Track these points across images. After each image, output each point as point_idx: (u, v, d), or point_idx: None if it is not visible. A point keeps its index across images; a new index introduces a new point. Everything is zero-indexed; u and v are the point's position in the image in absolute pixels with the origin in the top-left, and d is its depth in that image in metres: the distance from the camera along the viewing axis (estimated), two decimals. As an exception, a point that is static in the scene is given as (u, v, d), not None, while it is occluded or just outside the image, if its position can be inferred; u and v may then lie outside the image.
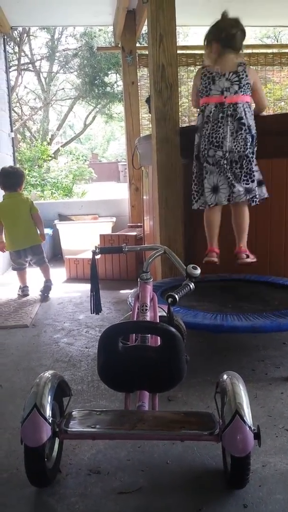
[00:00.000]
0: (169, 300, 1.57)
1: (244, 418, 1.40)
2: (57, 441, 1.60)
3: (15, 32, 10.81)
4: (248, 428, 1.39)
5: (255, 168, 2.71)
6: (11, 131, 5.84)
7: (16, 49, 11.95)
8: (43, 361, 2.59)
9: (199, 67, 5.68)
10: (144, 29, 5.05)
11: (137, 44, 5.59)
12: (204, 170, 2.71)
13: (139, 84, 5.53)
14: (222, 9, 5.25)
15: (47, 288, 3.95)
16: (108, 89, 13.06)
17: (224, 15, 2.75)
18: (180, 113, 3.38)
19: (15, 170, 4.11)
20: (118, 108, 14.15)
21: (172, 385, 1.63)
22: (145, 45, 6.73)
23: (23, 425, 1.44)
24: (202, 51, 5.86)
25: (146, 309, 1.78)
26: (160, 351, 1.61)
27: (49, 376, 1.60)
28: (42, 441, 1.43)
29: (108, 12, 5.23)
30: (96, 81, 12.62)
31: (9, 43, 10.19)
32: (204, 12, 5.28)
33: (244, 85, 2.62)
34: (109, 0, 4.82)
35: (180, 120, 3.24)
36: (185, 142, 3.11)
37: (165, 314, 1.77)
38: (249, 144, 2.63)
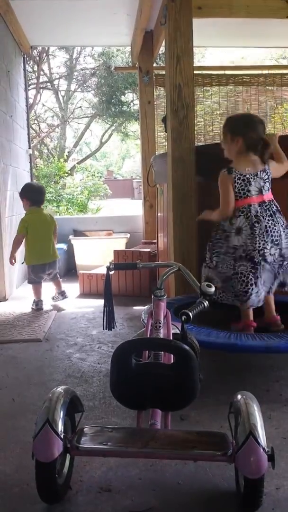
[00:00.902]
0: (183, 317, 1.57)
1: (258, 439, 1.38)
2: (68, 457, 1.59)
3: (35, 51, 11.06)
4: (262, 450, 1.37)
5: None
6: (29, 147, 5.95)
7: (35, 68, 12.21)
8: (55, 376, 2.59)
9: (215, 87, 5.81)
10: (161, 49, 5.15)
11: (154, 64, 5.68)
12: (259, 269, 2.47)
13: (155, 103, 5.61)
14: (240, 31, 5.32)
15: (63, 293, 4.19)
16: (125, 108, 13.22)
17: (254, 116, 2.65)
18: (195, 132, 3.40)
19: (42, 186, 4.41)
20: (134, 127, 14.31)
21: (185, 404, 1.62)
22: (162, 65, 6.84)
23: (35, 440, 1.44)
24: (218, 72, 5.97)
25: (160, 326, 1.77)
26: (173, 369, 1.60)
27: (62, 391, 1.59)
28: (54, 457, 1.42)
29: (125, 33, 5.34)
30: (113, 100, 12.79)
31: (28, 62, 10.41)
32: (221, 34, 5.38)
33: (270, 182, 2.55)
34: (127, 21, 4.92)
35: (195, 139, 3.27)
36: (200, 160, 3.14)
37: (178, 331, 1.77)
38: None
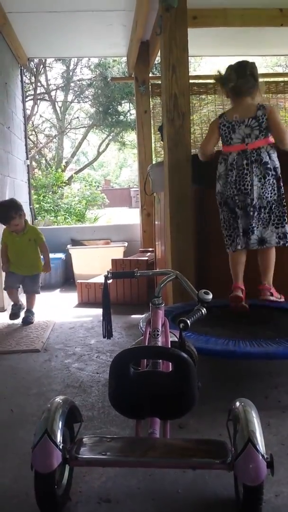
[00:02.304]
0: (181, 325, 1.57)
1: (257, 446, 1.37)
2: (67, 467, 1.58)
3: (32, 63, 11.14)
4: (261, 457, 1.36)
5: (286, 210, 2.69)
6: (27, 158, 5.97)
7: (33, 79, 12.29)
8: (54, 386, 2.58)
9: (211, 96, 5.84)
10: (157, 59, 5.18)
11: (150, 74, 5.72)
12: (237, 214, 2.67)
13: (152, 112, 5.64)
14: (234, 40, 5.37)
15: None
16: (121, 117, 13.29)
17: (231, 65, 2.74)
18: (192, 141, 3.42)
19: None
20: (131, 136, 14.37)
21: (184, 412, 1.62)
22: (158, 75, 6.89)
23: (34, 450, 1.43)
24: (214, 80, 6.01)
25: (158, 334, 1.77)
26: (172, 377, 1.60)
27: (60, 401, 1.59)
28: (53, 467, 1.42)
29: (122, 44, 5.39)
30: (109, 110, 12.86)
31: (25, 74, 10.47)
32: (216, 43, 5.42)
33: (264, 128, 2.58)
34: (123, 32, 4.97)
35: (192, 148, 3.28)
36: (197, 168, 3.16)
37: (176, 339, 1.77)
38: (276, 188, 2.63)
